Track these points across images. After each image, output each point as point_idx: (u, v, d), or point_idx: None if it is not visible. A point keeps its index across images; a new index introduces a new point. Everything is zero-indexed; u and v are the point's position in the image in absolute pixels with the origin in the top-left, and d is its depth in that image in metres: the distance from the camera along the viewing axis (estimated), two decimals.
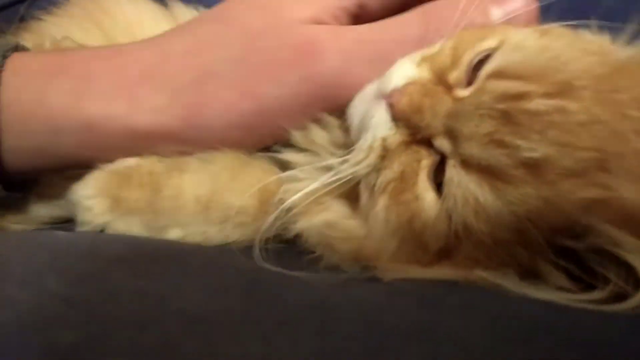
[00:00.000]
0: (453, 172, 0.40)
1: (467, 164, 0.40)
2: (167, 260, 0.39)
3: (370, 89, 0.46)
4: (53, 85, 0.48)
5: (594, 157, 0.38)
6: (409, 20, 0.49)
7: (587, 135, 0.39)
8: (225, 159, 0.49)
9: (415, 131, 0.42)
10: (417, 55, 0.46)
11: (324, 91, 0.48)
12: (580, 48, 0.44)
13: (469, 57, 0.44)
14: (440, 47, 0.46)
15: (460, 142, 0.41)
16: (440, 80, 0.44)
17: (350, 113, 0.47)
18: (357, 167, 0.44)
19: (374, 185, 0.43)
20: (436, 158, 0.42)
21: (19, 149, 0.48)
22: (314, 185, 0.45)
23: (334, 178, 0.45)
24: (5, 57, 0.49)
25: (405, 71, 0.44)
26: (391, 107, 0.43)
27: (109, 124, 0.48)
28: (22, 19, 0.68)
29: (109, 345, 0.29)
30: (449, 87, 0.44)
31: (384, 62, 0.46)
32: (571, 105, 0.39)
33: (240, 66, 0.48)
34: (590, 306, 0.36)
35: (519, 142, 0.39)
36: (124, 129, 0.48)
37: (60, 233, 0.45)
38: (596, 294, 0.37)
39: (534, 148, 0.38)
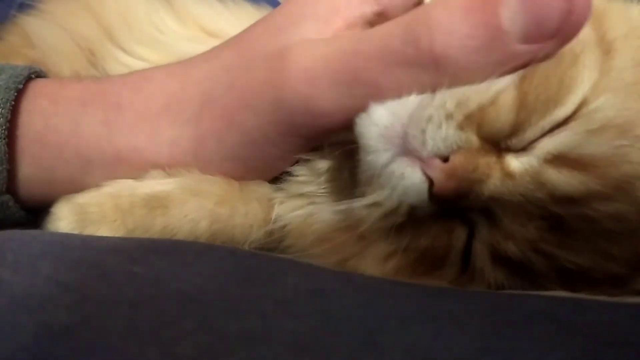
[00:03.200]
0: (481, 262, 0.37)
1: (497, 255, 0.37)
2: (164, 250, 0.38)
3: (386, 117, 0.38)
4: (87, 115, 0.47)
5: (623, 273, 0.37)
6: (391, 30, 0.39)
7: (628, 245, 0.36)
8: (216, 188, 0.47)
9: (451, 209, 0.38)
10: (456, 105, 0.36)
11: (296, 120, 0.42)
12: None
13: (534, 133, 0.36)
14: (495, 97, 0.36)
15: (497, 231, 0.36)
16: (491, 144, 0.37)
17: (360, 141, 0.40)
18: (372, 220, 0.40)
19: (387, 236, 0.40)
20: (466, 231, 0.38)
21: (41, 178, 0.47)
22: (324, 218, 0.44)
23: (340, 216, 0.42)
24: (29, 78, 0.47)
25: (446, 134, 0.37)
26: (431, 181, 0.37)
27: (134, 156, 0.47)
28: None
29: (103, 325, 0.28)
30: (498, 150, 0.37)
31: (361, 86, 0.38)
32: (625, 208, 0.36)
33: (228, 93, 0.45)
34: None
35: (562, 253, 0.36)
36: (146, 162, 0.47)
37: (54, 231, 0.45)
38: None
39: (574, 260, 0.36)
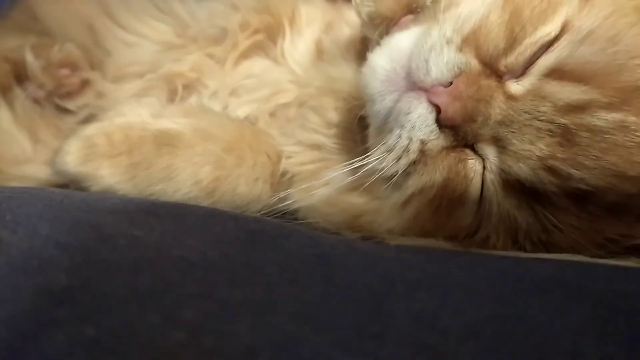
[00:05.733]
0: (492, 191, 0.37)
1: (508, 182, 0.37)
2: (164, 214, 0.37)
3: (385, 63, 0.40)
4: None
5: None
6: None
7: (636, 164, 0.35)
8: (227, 134, 0.47)
9: (461, 138, 0.38)
10: (453, 31, 0.38)
11: None
12: None
13: (529, 48, 0.37)
14: (485, 17, 0.38)
15: (507, 156, 0.37)
16: (491, 68, 0.38)
17: (365, 93, 0.41)
18: (385, 167, 0.39)
19: (402, 184, 0.40)
20: (481, 162, 0.38)
21: None
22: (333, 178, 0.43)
23: (352, 175, 0.41)
24: None
25: (448, 57, 0.38)
26: (437, 109, 0.37)
27: None
28: None
29: (103, 288, 0.28)
30: (499, 76, 0.38)
31: None
32: (632, 119, 0.35)
33: None
34: None
35: (573, 171, 0.35)
36: None
37: (55, 189, 0.44)
38: None
39: (585, 179, 0.35)
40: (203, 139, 0.47)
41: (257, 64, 0.57)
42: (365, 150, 0.42)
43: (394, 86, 0.39)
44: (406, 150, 0.39)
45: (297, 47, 0.56)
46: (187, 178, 0.46)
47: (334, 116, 0.48)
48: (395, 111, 0.39)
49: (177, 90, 0.56)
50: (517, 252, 0.37)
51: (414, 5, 0.44)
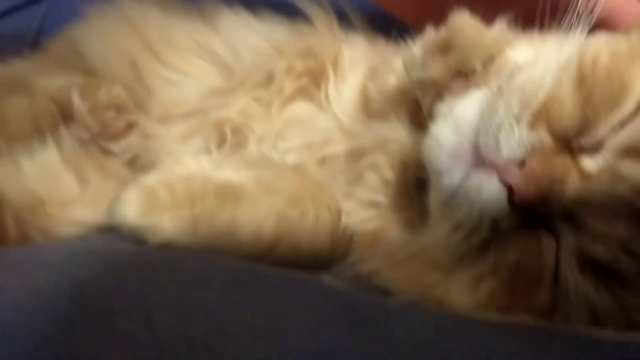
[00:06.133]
0: (567, 270, 0.37)
1: (584, 262, 0.36)
2: (249, 280, 0.37)
3: (451, 137, 0.40)
4: None
5: None
6: None
7: None
8: (290, 187, 0.47)
9: (535, 216, 0.37)
10: (522, 106, 0.37)
11: None
12: None
13: (604, 130, 0.37)
14: (555, 92, 0.38)
15: (583, 236, 0.36)
16: (563, 143, 0.37)
17: (430, 165, 0.41)
18: (454, 244, 0.39)
19: (473, 262, 0.39)
20: (554, 241, 0.38)
21: None
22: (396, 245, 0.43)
23: (417, 246, 0.41)
24: None
25: (519, 136, 0.37)
26: (510, 189, 0.37)
27: None
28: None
29: None
30: (572, 152, 0.38)
31: None
32: None
33: None
34: None
35: None
36: None
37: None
38: None
39: None
40: (266, 191, 0.47)
41: (303, 109, 0.57)
42: (424, 213, 0.43)
43: (462, 161, 0.39)
44: (477, 228, 0.38)
45: (342, 93, 0.56)
46: (250, 233, 0.46)
47: (390, 175, 0.48)
48: (464, 188, 0.38)
49: (225, 134, 0.56)
50: (600, 331, 0.37)
51: (465, 71, 0.44)
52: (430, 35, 0.47)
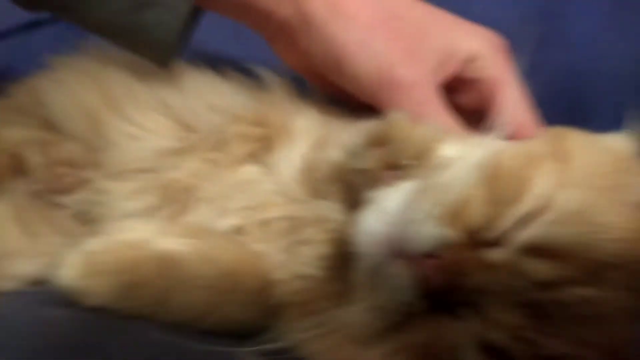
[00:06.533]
0: (469, 354, 0.40)
1: (485, 345, 0.39)
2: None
3: (375, 226, 0.43)
4: None
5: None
6: None
7: (601, 330, 0.39)
8: (227, 258, 0.49)
9: (444, 302, 0.40)
10: (437, 204, 0.41)
11: None
12: (612, 198, 0.41)
13: (508, 227, 0.40)
14: (467, 192, 0.41)
15: (484, 322, 0.39)
16: (473, 239, 0.41)
17: (356, 249, 0.44)
18: (372, 321, 0.43)
19: (389, 337, 0.42)
20: (458, 324, 0.40)
21: None
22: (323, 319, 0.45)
23: (342, 321, 0.44)
24: None
25: (433, 231, 0.40)
26: (422, 278, 0.40)
27: None
28: None
29: None
30: (479, 246, 0.41)
31: None
32: (597, 293, 0.39)
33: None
34: None
35: (542, 339, 0.38)
36: None
37: None
38: None
39: (552, 346, 0.38)
40: (203, 262, 0.49)
41: (251, 172, 0.59)
42: (353, 288, 0.45)
43: (383, 250, 0.42)
44: (392, 310, 0.42)
45: (289, 160, 0.58)
46: (182, 302, 0.48)
47: (324, 249, 0.50)
48: (383, 274, 0.42)
49: (173, 195, 0.58)
50: None
51: (396, 165, 0.47)
52: (370, 126, 0.50)
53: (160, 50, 0.59)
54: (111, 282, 0.47)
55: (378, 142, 0.48)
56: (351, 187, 0.49)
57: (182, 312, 0.48)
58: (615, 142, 0.48)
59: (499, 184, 0.42)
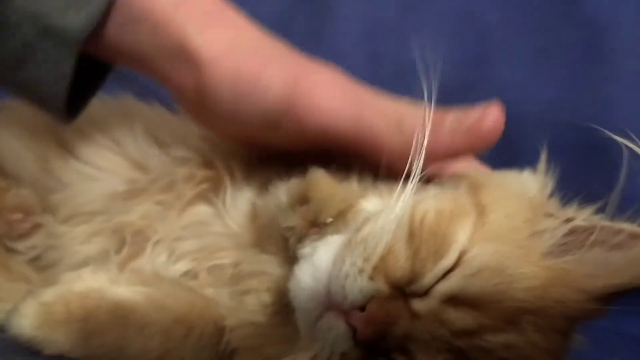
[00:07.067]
0: None
1: None
2: None
3: (309, 281, 0.45)
4: None
5: None
6: None
7: None
8: (179, 305, 0.52)
9: (375, 349, 0.43)
10: (363, 260, 0.44)
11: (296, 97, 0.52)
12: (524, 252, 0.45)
13: (430, 280, 0.43)
14: (391, 247, 0.44)
15: None
16: (398, 290, 0.44)
17: (292, 301, 0.47)
18: None
19: None
20: None
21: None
22: None
23: None
24: None
25: (361, 285, 0.43)
26: (354, 330, 0.43)
27: (176, 30, 0.53)
28: None
29: None
30: (405, 296, 0.44)
31: None
32: (514, 338, 0.42)
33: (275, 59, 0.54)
34: None
35: None
36: (179, 39, 0.53)
37: None
38: None
39: None
40: (155, 309, 0.51)
41: (201, 213, 0.61)
42: (296, 335, 0.48)
43: (317, 303, 0.45)
44: (330, 358, 0.44)
45: (236, 204, 0.60)
46: (137, 349, 0.50)
47: (267, 298, 0.53)
48: (318, 325, 0.45)
49: (125, 239, 0.60)
50: None
51: (319, 222, 0.50)
52: (293, 185, 0.53)
53: (53, 108, 0.56)
54: (67, 331, 0.49)
55: (301, 200, 0.51)
56: (285, 240, 0.52)
57: (140, 358, 0.50)
58: (531, 182, 0.52)
59: (422, 239, 0.44)
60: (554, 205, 0.51)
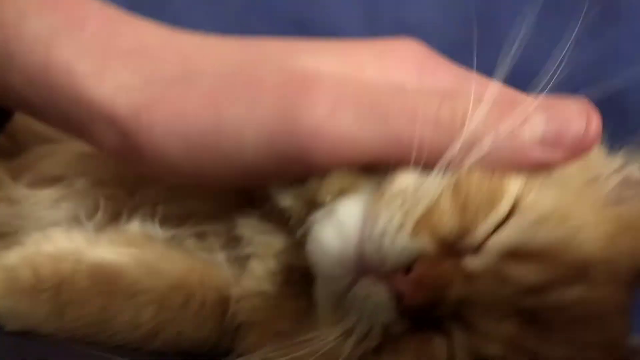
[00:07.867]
0: None
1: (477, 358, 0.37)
2: None
3: (335, 242, 0.38)
4: (40, 15, 0.41)
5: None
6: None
7: (599, 329, 0.38)
8: (175, 268, 0.44)
9: (425, 319, 0.37)
10: (404, 215, 0.37)
11: (296, 141, 0.38)
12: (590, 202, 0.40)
13: (483, 232, 0.37)
14: (435, 201, 0.37)
15: (475, 334, 0.37)
16: (447, 248, 0.37)
17: (315, 270, 0.40)
18: (344, 350, 0.38)
19: None
20: (445, 341, 0.37)
21: None
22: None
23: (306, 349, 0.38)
24: None
25: (403, 244, 0.36)
26: (398, 297, 0.36)
27: (63, 76, 0.40)
28: None
29: None
30: (456, 255, 0.38)
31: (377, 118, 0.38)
32: (586, 293, 0.38)
33: (223, 79, 0.40)
34: None
35: (541, 346, 0.37)
36: (72, 88, 0.40)
37: None
38: None
39: (553, 353, 0.37)
40: (147, 274, 0.44)
41: None
42: (312, 304, 0.41)
43: (348, 269, 0.38)
44: (368, 334, 0.38)
45: None
46: (126, 321, 0.43)
47: (275, 265, 0.44)
48: (351, 295, 0.38)
49: (98, 201, 0.52)
50: None
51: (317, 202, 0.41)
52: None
53: None
54: (36, 302, 0.42)
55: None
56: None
57: (128, 333, 0.43)
58: None
59: (470, 191, 0.38)
60: (602, 152, 0.45)
